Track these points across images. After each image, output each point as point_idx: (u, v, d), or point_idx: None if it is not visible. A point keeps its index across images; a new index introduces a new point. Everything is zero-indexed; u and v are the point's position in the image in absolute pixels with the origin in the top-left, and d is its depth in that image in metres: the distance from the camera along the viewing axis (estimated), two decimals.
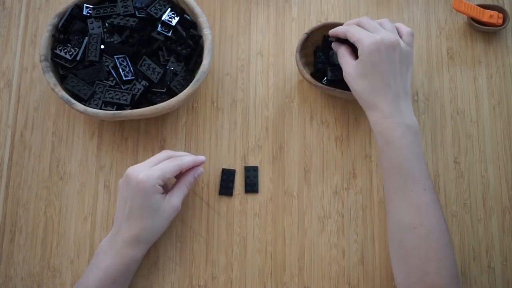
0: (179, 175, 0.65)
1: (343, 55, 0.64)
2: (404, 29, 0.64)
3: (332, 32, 0.65)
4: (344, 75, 0.63)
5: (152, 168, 0.61)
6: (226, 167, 0.69)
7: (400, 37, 0.62)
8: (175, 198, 0.62)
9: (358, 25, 0.63)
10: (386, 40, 0.59)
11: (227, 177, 0.68)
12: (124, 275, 0.60)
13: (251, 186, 0.68)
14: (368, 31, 0.61)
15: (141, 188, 0.59)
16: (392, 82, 0.59)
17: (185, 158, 0.63)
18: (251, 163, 0.69)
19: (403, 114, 0.59)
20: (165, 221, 0.62)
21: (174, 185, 0.64)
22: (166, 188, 0.64)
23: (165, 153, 0.63)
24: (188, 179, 0.64)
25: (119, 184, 0.63)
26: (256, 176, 0.68)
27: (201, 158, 0.65)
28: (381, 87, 0.59)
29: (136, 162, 0.69)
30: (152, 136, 0.71)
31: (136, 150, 0.70)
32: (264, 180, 0.69)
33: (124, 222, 0.60)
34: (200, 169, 0.65)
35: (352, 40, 0.61)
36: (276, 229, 0.67)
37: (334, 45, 0.66)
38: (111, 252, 0.60)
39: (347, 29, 0.62)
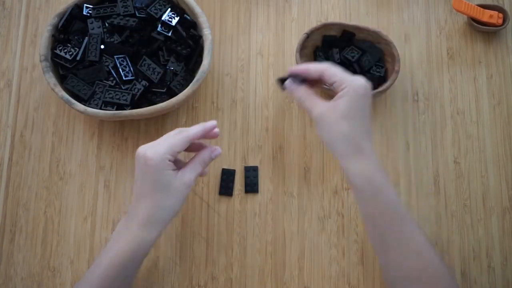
0: (196, 148, 0.62)
1: (309, 95, 0.60)
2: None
3: (293, 71, 0.61)
4: (315, 117, 0.58)
5: (159, 144, 0.58)
6: (226, 167, 0.69)
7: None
8: (188, 175, 0.58)
9: (321, 75, 0.59)
10: (368, 85, 0.58)
11: (227, 177, 0.68)
12: (134, 259, 0.58)
13: (251, 186, 0.68)
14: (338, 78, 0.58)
15: (150, 165, 0.57)
16: (370, 127, 0.58)
17: (193, 128, 0.59)
18: (251, 163, 0.69)
19: (376, 158, 0.57)
20: (178, 199, 0.58)
21: (188, 162, 0.60)
22: (180, 164, 0.61)
23: (176, 130, 0.60)
24: (203, 157, 0.60)
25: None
26: (256, 176, 0.68)
27: (211, 123, 0.60)
28: (363, 130, 0.57)
29: None
30: (152, 136, 0.71)
31: (136, 150, 0.70)
32: (264, 180, 0.69)
33: (137, 202, 0.59)
34: (219, 149, 0.61)
35: (332, 79, 0.58)
36: (276, 229, 0.67)
37: (289, 84, 0.61)
38: (124, 234, 0.58)
39: (325, 69, 0.58)
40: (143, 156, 0.57)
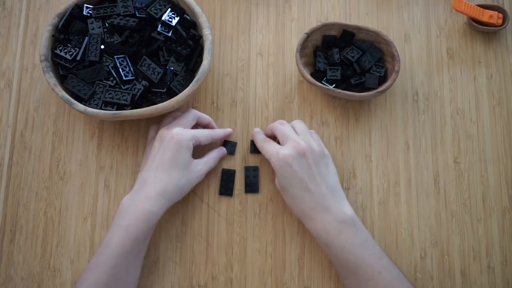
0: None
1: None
2: (310, 131, 0.67)
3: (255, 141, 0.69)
4: (276, 185, 0.65)
5: (186, 129, 0.63)
6: (226, 167, 0.69)
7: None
8: (202, 166, 0.65)
9: (273, 133, 0.67)
10: (292, 152, 0.61)
11: (227, 177, 0.68)
12: (145, 232, 0.59)
13: (251, 186, 0.68)
14: (280, 140, 0.65)
15: (177, 140, 0.61)
16: (313, 186, 0.61)
17: (217, 132, 0.67)
18: (251, 163, 0.69)
19: (333, 211, 0.60)
20: (189, 183, 0.63)
21: (203, 157, 0.66)
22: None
23: (192, 114, 0.66)
24: (214, 156, 0.67)
25: (147, 144, 0.66)
26: (256, 176, 0.68)
27: (229, 130, 0.69)
28: (303, 195, 0.61)
29: (136, 162, 0.69)
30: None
31: (136, 150, 0.70)
32: (264, 180, 0.69)
33: (150, 175, 0.61)
34: (224, 149, 0.69)
35: (266, 157, 0.65)
36: (276, 229, 0.67)
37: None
38: (132, 208, 0.59)
39: (261, 146, 0.66)
40: (170, 132, 0.62)
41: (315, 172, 0.61)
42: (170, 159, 0.61)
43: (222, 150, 0.69)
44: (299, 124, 0.66)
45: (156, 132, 0.67)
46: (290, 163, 0.61)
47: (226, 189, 0.68)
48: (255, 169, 0.69)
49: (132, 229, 0.58)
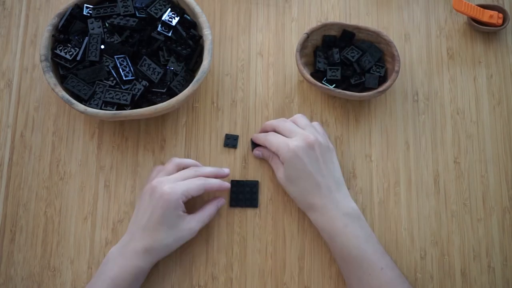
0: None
1: (271, 158, 0.66)
2: (314, 123, 0.67)
3: (254, 139, 0.68)
4: (278, 179, 0.65)
5: (178, 182, 0.61)
6: (226, 167, 0.69)
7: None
8: (195, 223, 0.62)
9: (275, 130, 0.66)
10: (302, 144, 0.61)
11: (236, 189, 0.67)
12: (132, 285, 0.59)
13: (251, 201, 0.67)
14: (284, 135, 0.64)
15: (165, 200, 0.59)
16: (320, 179, 0.61)
17: (211, 180, 0.63)
18: (251, 163, 0.69)
19: (339, 204, 0.61)
20: (178, 241, 0.61)
21: (198, 210, 0.64)
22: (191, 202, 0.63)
23: (193, 170, 0.63)
24: (210, 212, 0.64)
25: (142, 192, 0.62)
26: (256, 192, 0.68)
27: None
28: (311, 187, 0.61)
29: (136, 162, 0.69)
30: (152, 136, 0.71)
31: (136, 150, 0.70)
32: (265, 180, 0.69)
33: (139, 231, 0.60)
34: (222, 200, 0.66)
35: (272, 150, 0.64)
36: (276, 229, 0.67)
37: (256, 152, 0.68)
38: (120, 261, 0.59)
39: (265, 139, 0.65)
40: (160, 190, 0.60)
41: (323, 165, 0.62)
42: (157, 219, 0.59)
43: (221, 201, 0.65)
44: (301, 119, 0.66)
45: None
46: (300, 155, 0.61)
47: (237, 201, 0.67)
48: (255, 183, 0.68)
49: (119, 282, 0.58)
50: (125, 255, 0.59)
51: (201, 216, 0.63)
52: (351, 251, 0.59)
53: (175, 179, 0.61)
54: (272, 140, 0.64)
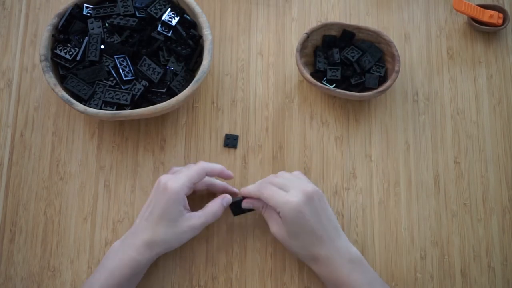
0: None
1: (265, 209, 0.63)
2: (294, 173, 0.65)
3: (244, 192, 0.63)
4: (272, 233, 0.62)
5: (179, 175, 0.60)
6: (226, 167, 0.69)
7: None
8: (196, 220, 0.61)
9: (261, 193, 0.61)
10: (303, 198, 0.59)
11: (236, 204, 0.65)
12: (128, 279, 0.59)
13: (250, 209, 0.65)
14: (281, 188, 0.60)
15: (167, 194, 0.59)
16: (322, 231, 0.59)
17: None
18: (251, 163, 0.69)
19: (341, 251, 0.60)
20: (178, 238, 0.60)
21: (201, 209, 0.62)
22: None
23: (200, 165, 0.62)
24: (215, 210, 0.62)
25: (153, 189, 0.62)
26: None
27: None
28: (314, 240, 0.59)
29: (136, 162, 0.69)
30: (152, 136, 0.71)
31: (136, 150, 0.70)
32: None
33: (141, 225, 0.60)
34: (228, 197, 0.63)
35: (269, 204, 0.60)
36: None
37: (245, 204, 0.63)
38: (120, 254, 0.59)
39: (261, 193, 0.61)
40: (163, 184, 0.60)
41: (322, 215, 0.60)
42: (158, 213, 0.59)
43: (226, 199, 0.63)
44: (283, 174, 0.63)
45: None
46: (303, 210, 0.58)
47: (239, 208, 0.65)
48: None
49: (116, 274, 0.58)
50: (125, 248, 0.60)
51: (203, 214, 0.61)
52: None
53: (180, 174, 0.61)
54: (268, 194, 0.60)
